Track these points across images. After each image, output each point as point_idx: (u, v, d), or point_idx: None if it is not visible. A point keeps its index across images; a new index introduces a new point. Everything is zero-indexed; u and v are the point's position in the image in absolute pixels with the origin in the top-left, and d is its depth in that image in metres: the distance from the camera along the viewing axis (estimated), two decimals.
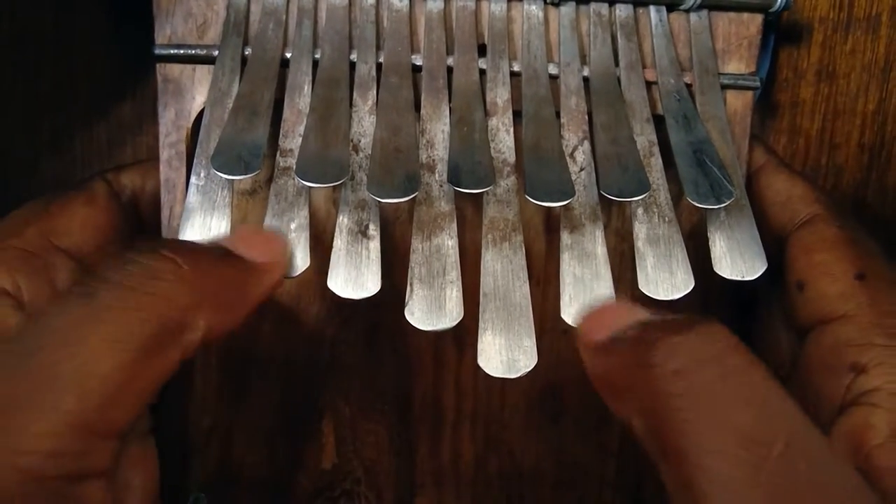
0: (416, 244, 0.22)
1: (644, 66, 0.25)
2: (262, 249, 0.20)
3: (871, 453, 0.18)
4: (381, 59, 0.24)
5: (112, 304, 0.17)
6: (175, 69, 0.24)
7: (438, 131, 0.23)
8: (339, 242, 0.22)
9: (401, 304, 0.21)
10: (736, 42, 0.26)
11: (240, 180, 0.23)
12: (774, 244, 0.23)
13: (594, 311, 0.20)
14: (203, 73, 0.24)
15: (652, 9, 0.26)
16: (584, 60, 0.25)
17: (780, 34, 0.30)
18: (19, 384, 0.16)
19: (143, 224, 0.25)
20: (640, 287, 0.22)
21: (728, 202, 0.21)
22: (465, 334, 0.26)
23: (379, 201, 0.21)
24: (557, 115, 0.24)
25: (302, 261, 0.21)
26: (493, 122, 0.24)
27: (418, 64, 0.24)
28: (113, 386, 0.16)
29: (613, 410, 0.18)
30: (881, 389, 0.19)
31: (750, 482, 0.14)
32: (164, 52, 0.24)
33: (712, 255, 0.22)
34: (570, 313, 0.21)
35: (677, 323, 0.17)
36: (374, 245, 0.22)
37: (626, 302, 0.20)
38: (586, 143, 0.24)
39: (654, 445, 0.16)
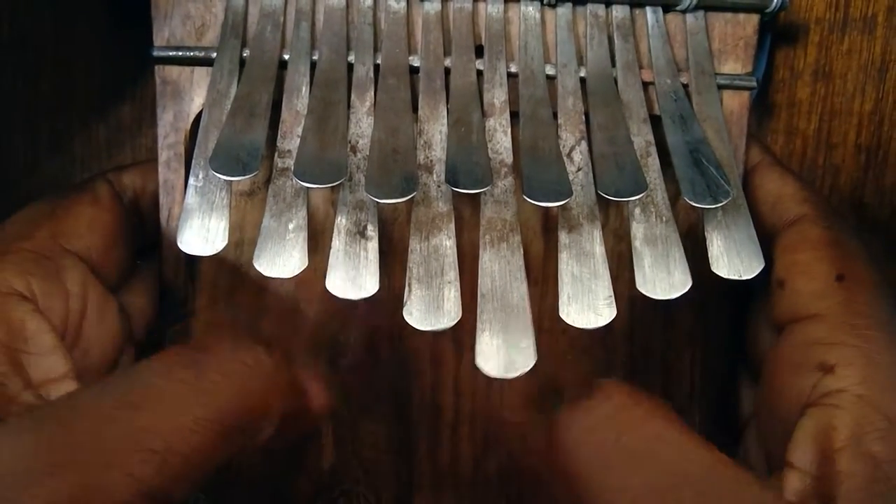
0: (414, 244, 0.22)
1: (641, 67, 0.25)
2: (316, 392, 0.21)
3: (832, 457, 0.18)
4: (378, 61, 0.24)
5: (218, 383, 0.17)
6: (173, 71, 0.25)
7: (436, 132, 0.23)
8: (338, 243, 0.22)
9: (399, 304, 0.21)
10: (732, 42, 0.26)
11: (238, 181, 0.23)
12: (766, 243, 0.23)
13: None
14: (201, 75, 0.24)
15: (648, 10, 0.26)
16: (580, 61, 0.25)
17: (777, 34, 0.30)
18: (110, 435, 0.16)
19: (143, 225, 0.25)
20: (637, 287, 0.22)
21: (724, 202, 0.22)
22: (463, 334, 0.26)
23: (377, 202, 0.21)
24: (555, 115, 0.24)
25: (300, 261, 0.21)
26: (490, 122, 0.24)
27: (416, 65, 0.25)
28: (190, 464, 0.16)
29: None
30: (846, 391, 0.19)
31: None
32: (162, 53, 0.24)
33: (709, 255, 0.22)
34: (568, 313, 0.21)
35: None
36: (373, 245, 0.22)
37: None
38: (583, 144, 0.24)
39: None
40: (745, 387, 0.26)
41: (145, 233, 0.25)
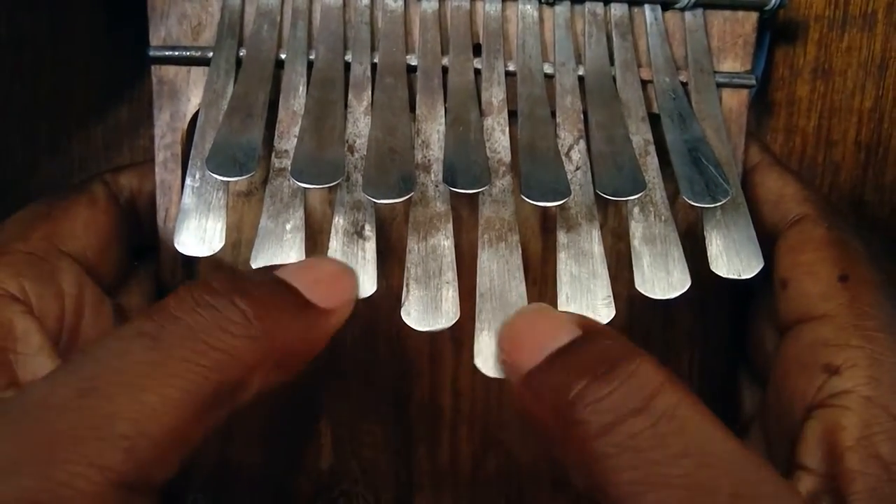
0: (412, 245, 0.22)
1: (639, 65, 0.25)
2: (329, 290, 0.19)
3: (842, 455, 0.18)
4: (375, 60, 0.24)
5: (179, 353, 0.16)
6: (170, 71, 0.24)
7: (434, 131, 0.23)
8: (335, 243, 0.22)
9: (398, 304, 0.21)
10: (731, 40, 0.26)
11: (235, 182, 0.23)
12: (767, 242, 0.23)
13: (512, 328, 0.19)
14: (198, 75, 0.24)
15: (647, 8, 0.26)
16: (579, 59, 0.25)
17: (776, 32, 0.30)
18: (68, 425, 0.15)
19: (140, 225, 0.25)
20: (636, 286, 0.22)
21: (724, 201, 0.21)
22: (462, 335, 0.26)
23: (374, 202, 0.21)
24: (553, 114, 0.24)
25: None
26: (488, 121, 0.24)
27: (413, 64, 0.24)
28: (163, 446, 0.15)
29: (546, 447, 0.17)
30: (853, 392, 0.19)
31: None
32: (158, 53, 0.24)
33: (709, 254, 0.22)
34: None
35: (601, 365, 0.16)
36: (370, 246, 0.22)
37: (542, 311, 0.19)
38: (582, 143, 0.24)
39: (594, 497, 0.16)
40: (745, 387, 0.26)
41: (142, 234, 0.25)
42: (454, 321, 0.21)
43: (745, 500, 0.15)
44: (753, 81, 0.25)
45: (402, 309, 0.20)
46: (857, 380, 0.19)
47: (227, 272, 0.25)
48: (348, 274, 0.19)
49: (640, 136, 0.24)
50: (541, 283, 0.26)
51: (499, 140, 0.24)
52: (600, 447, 0.15)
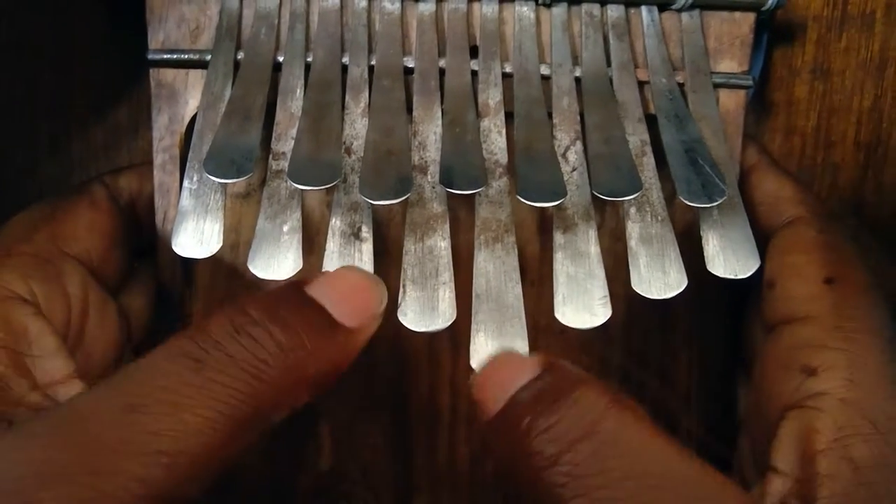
0: (409, 246, 0.22)
1: (636, 66, 0.25)
2: (355, 307, 0.19)
3: (814, 458, 0.18)
4: (373, 62, 0.24)
5: (220, 379, 0.16)
6: (168, 74, 0.25)
7: (430, 133, 0.23)
8: (332, 245, 0.22)
9: (395, 305, 0.21)
10: (728, 41, 0.26)
11: (232, 183, 0.23)
12: (763, 243, 0.23)
13: (483, 372, 0.19)
14: (196, 78, 0.25)
15: (643, 9, 0.26)
16: (575, 61, 0.25)
17: (775, 32, 0.30)
18: (115, 439, 0.15)
19: (140, 227, 0.25)
20: (633, 286, 0.22)
21: (720, 201, 0.21)
22: (460, 336, 0.26)
23: (371, 203, 0.21)
24: (549, 115, 0.24)
25: (295, 263, 0.21)
26: (485, 123, 0.24)
27: (410, 66, 0.25)
28: (200, 464, 0.16)
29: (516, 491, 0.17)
30: (828, 394, 0.19)
31: None
32: (157, 56, 0.24)
33: (705, 254, 0.22)
34: (563, 313, 0.21)
35: (548, 396, 0.17)
36: (367, 247, 0.22)
37: (509, 356, 0.19)
38: (578, 144, 0.24)
39: None
40: (742, 386, 0.26)
41: (142, 235, 0.25)
42: (450, 322, 0.21)
43: None
44: (750, 82, 0.26)
45: (399, 310, 0.21)
46: (834, 382, 0.19)
47: (225, 274, 0.26)
48: (374, 287, 0.19)
49: (637, 136, 0.24)
50: (538, 283, 0.26)
51: (495, 141, 0.24)
52: (550, 477, 0.16)
